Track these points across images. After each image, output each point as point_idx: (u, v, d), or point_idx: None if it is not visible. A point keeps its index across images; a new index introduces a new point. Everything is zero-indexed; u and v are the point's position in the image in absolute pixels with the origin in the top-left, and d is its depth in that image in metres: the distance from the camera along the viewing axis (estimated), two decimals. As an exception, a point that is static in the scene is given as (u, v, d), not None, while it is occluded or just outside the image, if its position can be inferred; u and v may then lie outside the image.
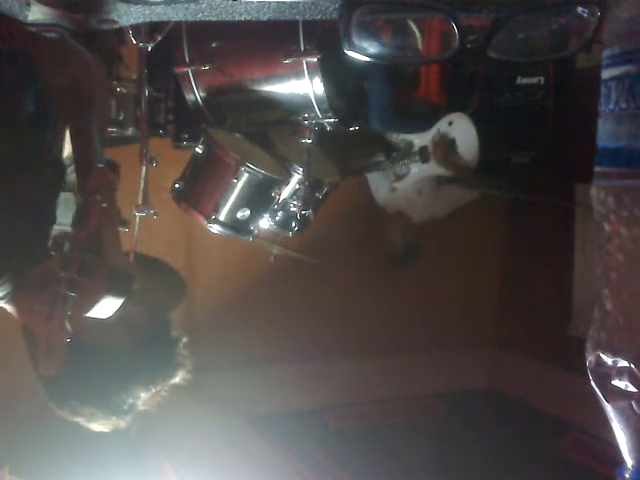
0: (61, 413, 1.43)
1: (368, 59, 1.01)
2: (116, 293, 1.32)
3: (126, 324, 1.39)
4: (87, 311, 1.31)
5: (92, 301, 1.30)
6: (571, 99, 3.05)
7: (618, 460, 0.92)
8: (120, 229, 1.38)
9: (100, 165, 1.27)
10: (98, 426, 1.43)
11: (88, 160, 1.35)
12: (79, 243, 1.27)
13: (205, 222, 2.28)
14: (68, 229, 1.68)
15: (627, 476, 0.90)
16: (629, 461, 0.90)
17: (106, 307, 1.32)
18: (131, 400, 1.42)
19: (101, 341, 1.37)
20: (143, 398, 1.44)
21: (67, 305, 1.25)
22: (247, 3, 1.11)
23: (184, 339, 1.54)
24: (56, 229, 1.52)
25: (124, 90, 2.26)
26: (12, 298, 1.33)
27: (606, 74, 0.92)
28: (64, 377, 1.33)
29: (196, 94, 2.34)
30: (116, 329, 1.38)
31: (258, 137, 2.47)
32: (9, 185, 1.33)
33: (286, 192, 2.35)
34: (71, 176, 1.60)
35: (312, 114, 2.32)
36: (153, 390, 1.45)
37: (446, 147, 2.89)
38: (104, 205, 1.28)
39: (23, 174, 1.37)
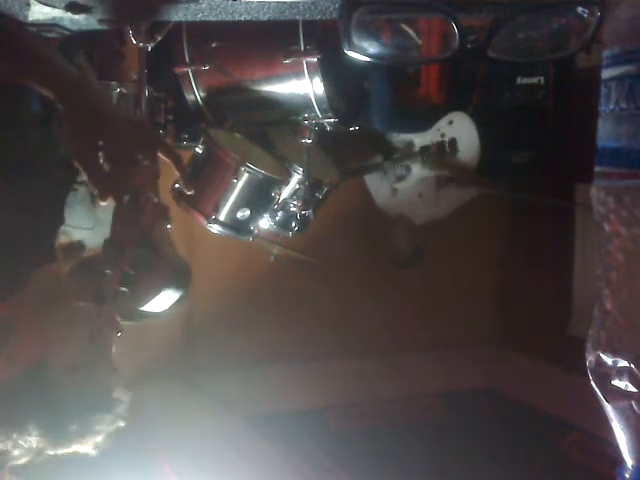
0: None
1: (368, 59, 1.01)
2: (176, 286, 1.33)
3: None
4: (144, 304, 1.31)
5: (151, 294, 1.30)
6: (571, 99, 3.05)
7: (618, 460, 0.92)
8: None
9: (145, 161, 1.26)
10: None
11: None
12: (131, 239, 1.27)
13: (205, 222, 2.28)
14: (75, 230, 1.67)
15: (627, 476, 0.91)
16: (629, 461, 0.91)
17: (165, 300, 1.33)
18: (23, 441, 1.26)
19: (55, 379, 1.30)
20: (42, 445, 1.27)
21: (118, 300, 1.25)
22: (247, 3, 1.11)
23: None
24: (65, 230, 1.52)
25: (124, 90, 2.26)
26: (11, 298, 1.32)
27: (606, 74, 0.92)
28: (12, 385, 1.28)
29: (196, 94, 2.34)
30: (78, 376, 1.31)
31: (258, 137, 2.47)
32: (16, 185, 1.32)
33: (286, 192, 2.35)
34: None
35: (312, 114, 2.32)
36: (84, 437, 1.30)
37: (447, 147, 2.89)
38: (156, 200, 1.29)
39: (31, 174, 1.36)
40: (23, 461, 1.30)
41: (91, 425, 1.32)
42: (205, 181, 2.29)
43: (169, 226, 1.37)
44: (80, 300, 1.26)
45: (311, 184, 2.37)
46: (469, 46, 0.96)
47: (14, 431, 1.26)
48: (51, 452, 1.31)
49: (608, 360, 0.89)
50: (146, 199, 1.27)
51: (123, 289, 1.24)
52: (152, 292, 1.32)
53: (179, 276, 1.36)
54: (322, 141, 2.46)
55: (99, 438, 1.34)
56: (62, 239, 1.53)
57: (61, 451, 1.32)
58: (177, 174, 1.45)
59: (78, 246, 1.56)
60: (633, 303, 0.88)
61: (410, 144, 2.96)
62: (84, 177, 1.32)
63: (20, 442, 1.27)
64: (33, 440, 1.27)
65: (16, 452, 1.29)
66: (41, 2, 1.09)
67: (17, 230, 1.31)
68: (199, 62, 2.30)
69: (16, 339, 1.29)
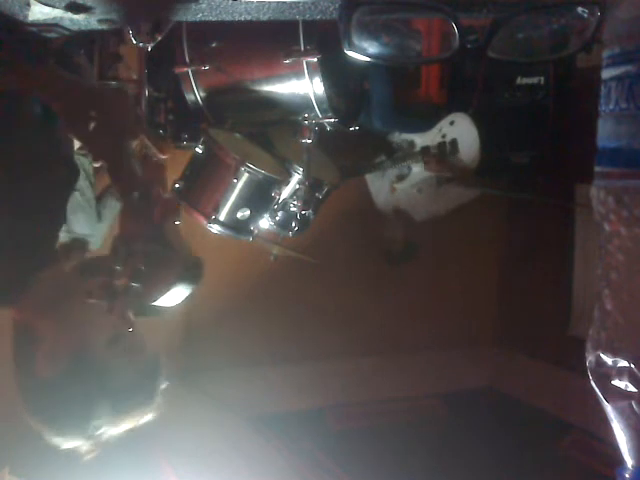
0: (30, 419, 1.34)
1: (368, 59, 1.01)
2: (187, 281, 1.34)
3: (128, 344, 1.33)
4: (156, 299, 1.32)
5: (163, 290, 1.31)
6: (571, 99, 3.05)
7: (618, 460, 0.92)
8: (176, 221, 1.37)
9: (154, 159, 1.28)
10: (61, 442, 1.31)
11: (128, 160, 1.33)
12: (142, 235, 1.28)
13: (205, 222, 2.27)
14: (79, 236, 1.67)
15: (627, 476, 0.91)
16: (629, 461, 0.91)
17: (176, 295, 1.34)
18: (97, 430, 1.30)
19: (100, 359, 1.31)
20: (111, 427, 1.32)
21: (129, 296, 1.25)
22: (247, 3, 1.11)
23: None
24: (67, 236, 1.51)
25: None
26: (21, 300, 1.32)
27: (606, 74, 0.92)
28: (49, 385, 1.29)
29: (196, 94, 2.34)
30: (118, 349, 1.32)
31: (258, 137, 2.46)
32: (19, 185, 1.33)
33: (286, 192, 2.35)
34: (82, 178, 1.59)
35: (312, 114, 2.32)
36: (122, 422, 1.33)
37: (448, 147, 2.89)
38: (166, 196, 1.30)
39: (33, 174, 1.36)
40: (94, 453, 1.32)
41: (150, 390, 1.35)
42: (205, 181, 2.29)
43: (177, 222, 1.38)
44: (91, 297, 1.27)
45: (311, 184, 2.36)
46: (469, 46, 0.96)
47: (85, 423, 1.28)
48: (117, 431, 1.32)
49: (608, 360, 0.89)
50: (157, 195, 1.28)
51: (135, 285, 1.25)
52: (164, 287, 1.33)
53: (190, 271, 1.37)
54: (322, 141, 2.46)
55: (157, 400, 1.36)
56: (63, 240, 1.53)
57: (126, 426, 1.33)
58: (177, 175, 1.45)
59: (80, 244, 1.56)
60: (633, 303, 0.88)
61: (411, 144, 2.96)
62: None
63: (90, 433, 1.29)
64: (103, 425, 1.29)
65: (89, 445, 1.31)
66: (41, 2, 1.09)
67: (20, 231, 1.32)
68: (199, 62, 2.29)
69: (43, 338, 1.29)
